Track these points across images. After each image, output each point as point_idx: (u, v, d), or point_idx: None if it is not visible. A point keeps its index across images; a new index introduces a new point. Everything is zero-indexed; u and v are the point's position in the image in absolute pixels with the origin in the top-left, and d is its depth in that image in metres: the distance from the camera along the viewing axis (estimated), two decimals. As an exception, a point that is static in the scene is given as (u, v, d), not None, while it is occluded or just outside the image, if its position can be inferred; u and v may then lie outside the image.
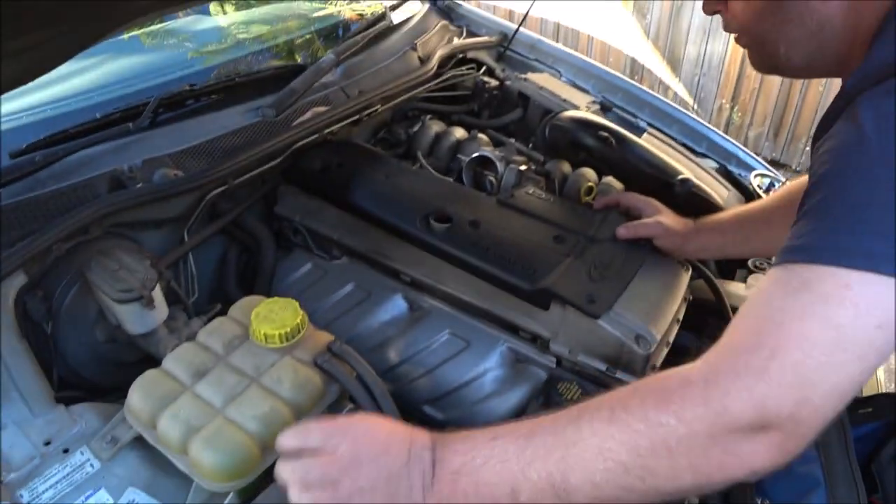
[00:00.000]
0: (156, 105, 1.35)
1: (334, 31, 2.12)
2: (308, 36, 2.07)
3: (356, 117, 1.51)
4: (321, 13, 2.19)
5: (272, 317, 0.99)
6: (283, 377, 0.95)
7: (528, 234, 1.32)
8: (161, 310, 1.13)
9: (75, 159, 1.23)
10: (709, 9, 0.92)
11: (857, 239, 0.63)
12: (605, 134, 1.55)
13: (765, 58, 0.91)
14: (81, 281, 1.12)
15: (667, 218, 1.31)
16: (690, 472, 0.65)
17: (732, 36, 0.91)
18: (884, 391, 1.26)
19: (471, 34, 2.23)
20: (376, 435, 0.76)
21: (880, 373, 1.41)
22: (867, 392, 1.30)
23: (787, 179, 1.96)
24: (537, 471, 0.68)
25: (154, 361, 1.06)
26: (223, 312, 1.12)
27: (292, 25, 2.09)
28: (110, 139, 1.28)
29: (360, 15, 2.18)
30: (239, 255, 1.41)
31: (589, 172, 1.64)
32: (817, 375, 0.62)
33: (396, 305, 1.32)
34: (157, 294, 1.10)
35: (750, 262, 1.56)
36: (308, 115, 1.43)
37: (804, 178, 1.00)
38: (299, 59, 1.87)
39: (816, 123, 0.85)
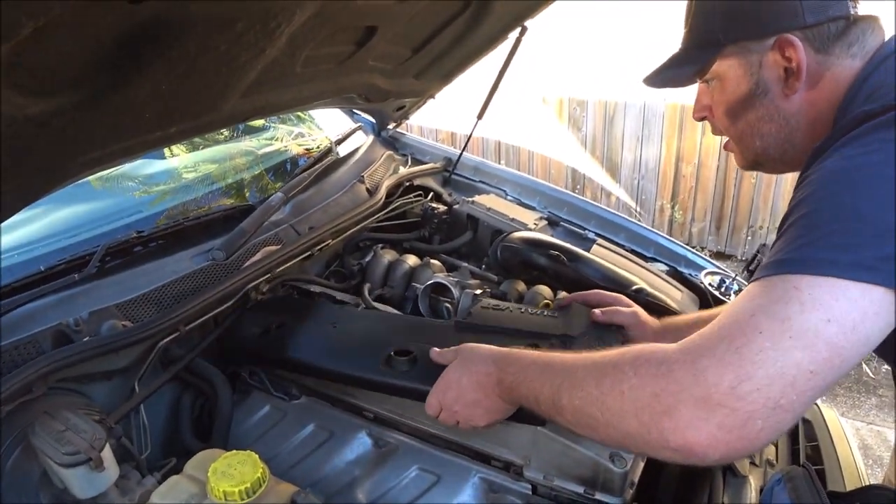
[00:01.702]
0: (102, 253, 1.33)
1: (282, 167, 2.17)
2: (256, 173, 2.10)
3: (307, 253, 1.51)
4: (268, 149, 2.24)
5: (231, 472, 0.93)
6: (245, 538, 0.89)
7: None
8: (111, 470, 1.06)
9: (18, 314, 1.18)
10: (698, 115, 1.11)
11: (811, 251, 0.73)
12: (556, 252, 1.59)
13: (747, 154, 1.07)
14: (25, 442, 1.05)
15: (639, 311, 1.36)
16: (635, 418, 0.78)
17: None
18: (868, 482, 1.25)
19: (416, 161, 2.31)
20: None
21: (859, 459, 1.40)
22: (848, 478, 1.30)
23: (735, 274, 2.03)
24: (547, 389, 0.91)
25: (105, 528, 0.98)
26: (178, 467, 1.06)
27: (240, 163, 2.12)
28: (55, 291, 1.25)
29: (308, 150, 2.24)
30: (193, 401, 1.35)
31: (544, 290, 1.66)
32: (760, 357, 0.70)
33: (361, 443, 1.27)
34: (107, 453, 1.04)
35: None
36: (259, 255, 1.43)
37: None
38: (248, 196, 1.89)
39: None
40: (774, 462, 1.36)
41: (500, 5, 1.47)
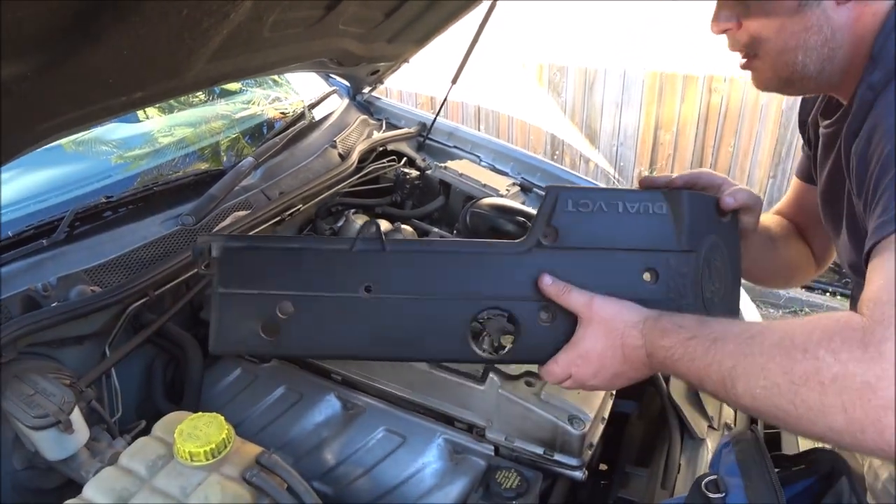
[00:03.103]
0: (71, 219, 1.32)
1: (258, 131, 2.16)
2: (233, 136, 2.09)
3: (277, 218, 1.52)
4: (244, 113, 2.23)
5: (196, 433, 0.96)
6: (211, 496, 0.91)
7: None
8: (81, 433, 1.08)
9: (-14, 280, 1.19)
10: (718, 28, 1.01)
11: None
12: (523, 219, 1.61)
13: (781, 70, 0.98)
14: (-3, 405, 1.06)
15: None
16: (842, 413, 0.66)
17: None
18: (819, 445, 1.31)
19: (391, 126, 2.30)
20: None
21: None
22: (801, 442, 1.35)
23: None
24: (715, 372, 0.79)
25: (77, 487, 1.00)
26: (148, 429, 1.08)
27: (216, 126, 2.11)
28: (23, 257, 1.24)
29: (283, 113, 2.23)
30: (166, 365, 1.37)
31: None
32: None
33: (330, 405, 1.30)
34: (76, 417, 1.06)
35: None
36: (228, 220, 1.43)
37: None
38: (224, 161, 1.88)
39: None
40: (732, 425, 1.41)
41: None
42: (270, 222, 1.48)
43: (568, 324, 0.96)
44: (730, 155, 5.04)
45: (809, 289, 4.63)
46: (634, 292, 0.96)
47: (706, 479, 0.89)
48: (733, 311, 1.06)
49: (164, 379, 1.36)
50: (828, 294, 4.58)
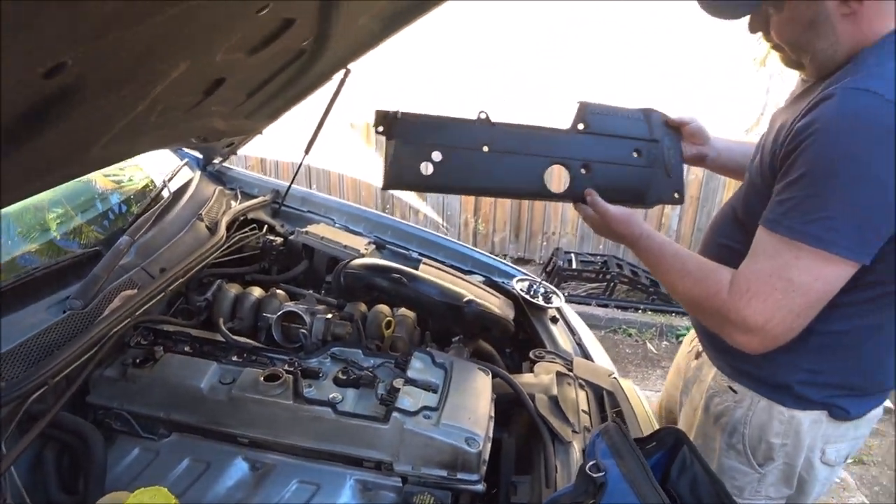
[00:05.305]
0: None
1: (92, 204, 2.07)
2: (62, 211, 1.99)
3: (162, 294, 1.54)
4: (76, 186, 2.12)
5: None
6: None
7: None
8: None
9: None
10: (752, 32, 1.40)
11: (814, 226, 1.14)
12: (398, 275, 1.76)
13: (796, 58, 1.35)
14: None
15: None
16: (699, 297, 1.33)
17: None
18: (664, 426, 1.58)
19: (245, 195, 2.37)
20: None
21: (653, 417, 1.73)
22: (645, 431, 1.61)
23: (540, 279, 2.35)
24: (650, 263, 1.47)
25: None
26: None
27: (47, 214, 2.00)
28: None
29: (117, 183, 2.18)
30: (58, 455, 1.33)
31: (385, 309, 1.84)
32: (780, 305, 1.19)
33: (238, 469, 1.35)
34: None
35: (532, 354, 1.84)
36: (117, 300, 1.43)
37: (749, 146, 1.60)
38: (58, 241, 1.79)
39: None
40: (590, 428, 1.65)
41: (330, 52, 1.62)
42: (156, 299, 1.50)
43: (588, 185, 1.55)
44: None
45: (624, 309, 5.24)
46: (628, 161, 1.58)
47: (589, 464, 1.10)
48: (678, 178, 1.65)
49: (59, 469, 1.32)
50: (639, 312, 5.21)
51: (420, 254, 2.36)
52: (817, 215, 1.14)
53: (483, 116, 1.48)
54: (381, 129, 1.42)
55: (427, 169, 1.44)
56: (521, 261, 6.00)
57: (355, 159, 5.86)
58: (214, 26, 0.99)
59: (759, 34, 1.40)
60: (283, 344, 1.69)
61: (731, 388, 1.51)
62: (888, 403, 4.18)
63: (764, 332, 1.21)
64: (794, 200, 1.18)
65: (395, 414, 1.33)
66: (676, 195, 1.63)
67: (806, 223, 1.15)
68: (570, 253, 5.59)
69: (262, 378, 1.40)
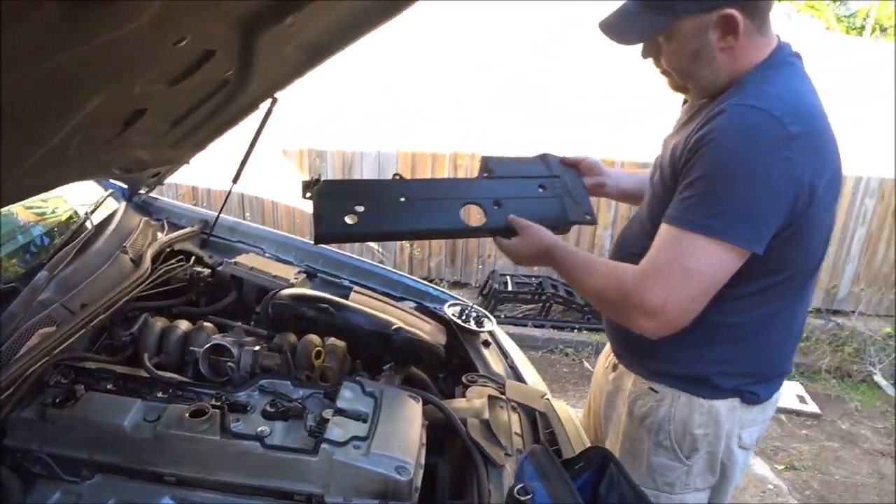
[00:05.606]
0: None
1: (13, 236, 2.01)
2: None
3: (83, 331, 1.49)
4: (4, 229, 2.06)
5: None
6: None
7: None
8: None
9: None
10: (644, 57, 1.52)
11: (712, 220, 1.29)
12: (325, 305, 1.76)
13: (682, 83, 1.50)
14: None
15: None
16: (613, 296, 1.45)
17: None
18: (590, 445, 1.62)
19: (172, 226, 2.33)
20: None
21: (584, 437, 1.77)
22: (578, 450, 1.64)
23: (472, 303, 2.38)
24: (563, 272, 1.59)
25: None
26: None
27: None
28: None
29: (40, 215, 2.12)
30: (-33, 504, 1.27)
31: (315, 339, 1.83)
32: (677, 289, 1.33)
33: (165, 508, 1.31)
34: None
35: (464, 378, 1.86)
36: (35, 338, 1.38)
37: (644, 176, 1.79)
38: None
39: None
40: (523, 450, 1.67)
41: (255, 82, 1.62)
42: (77, 336, 1.45)
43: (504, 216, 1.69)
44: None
45: (560, 329, 5.34)
46: (536, 195, 1.76)
47: (516, 488, 1.13)
48: (586, 204, 1.82)
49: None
50: (575, 331, 5.32)
51: (351, 282, 2.36)
52: (715, 210, 1.31)
53: (398, 178, 1.72)
54: (308, 195, 1.59)
55: (353, 221, 1.58)
56: (457, 284, 6.04)
57: (289, 186, 5.81)
58: (131, 59, 0.98)
59: (651, 59, 1.55)
60: (210, 378, 1.66)
61: (651, 388, 1.61)
62: (815, 409, 4.39)
63: (663, 315, 1.35)
64: (695, 198, 1.33)
65: (324, 445, 1.32)
66: (588, 217, 1.79)
67: (705, 217, 1.31)
68: (505, 275, 5.66)
69: (187, 414, 1.37)
